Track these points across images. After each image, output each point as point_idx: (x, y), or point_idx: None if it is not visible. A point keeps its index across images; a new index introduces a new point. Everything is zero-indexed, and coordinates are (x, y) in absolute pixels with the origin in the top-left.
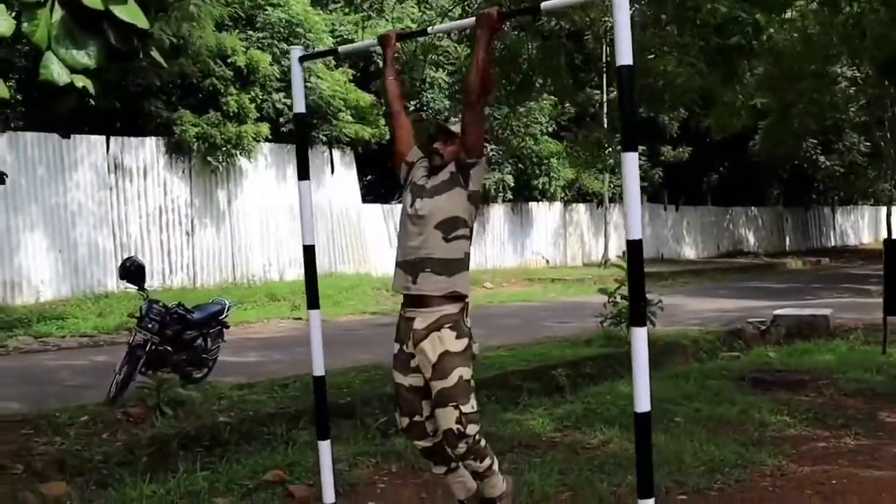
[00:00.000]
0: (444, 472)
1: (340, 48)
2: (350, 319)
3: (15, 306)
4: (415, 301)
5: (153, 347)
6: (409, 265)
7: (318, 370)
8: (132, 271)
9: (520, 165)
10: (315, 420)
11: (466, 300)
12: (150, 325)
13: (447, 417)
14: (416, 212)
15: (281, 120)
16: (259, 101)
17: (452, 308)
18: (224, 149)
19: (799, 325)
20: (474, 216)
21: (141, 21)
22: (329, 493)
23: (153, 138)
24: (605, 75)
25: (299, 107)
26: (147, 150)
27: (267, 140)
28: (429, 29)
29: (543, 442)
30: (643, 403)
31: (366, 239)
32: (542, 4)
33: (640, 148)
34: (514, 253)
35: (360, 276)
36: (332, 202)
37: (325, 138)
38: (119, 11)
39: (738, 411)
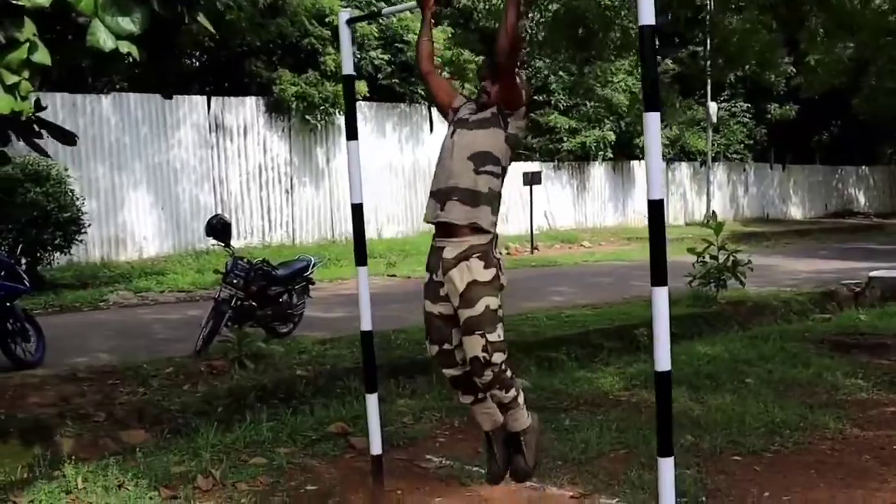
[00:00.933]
0: (471, 401)
1: (384, 10)
2: None
3: (119, 262)
4: (444, 230)
5: (238, 303)
6: (440, 193)
7: (366, 325)
8: (218, 229)
9: (621, 123)
10: (364, 374)
11: (495, 232)
12: (234, 281)
13: (473, 345)
14: (454, 142)
15: (379, 76)
16: (357, 59)
17: (481, 239)
18: (322, 107)
19: (895, 287)
20: (509, 158)
21: None
22: (376, 445)
23: (253, 98)
24: (707, 34)
25: (348, 68)
26: (247, 110)
27: (365, 98)
28: None
29: (609, 400)
30: (664, 363)
31: None
32: None
33: (745, 105)
34: (614, 212)
35: None
36: (431, 160)
37: (421, 94)
38: None
39: (812, 374)
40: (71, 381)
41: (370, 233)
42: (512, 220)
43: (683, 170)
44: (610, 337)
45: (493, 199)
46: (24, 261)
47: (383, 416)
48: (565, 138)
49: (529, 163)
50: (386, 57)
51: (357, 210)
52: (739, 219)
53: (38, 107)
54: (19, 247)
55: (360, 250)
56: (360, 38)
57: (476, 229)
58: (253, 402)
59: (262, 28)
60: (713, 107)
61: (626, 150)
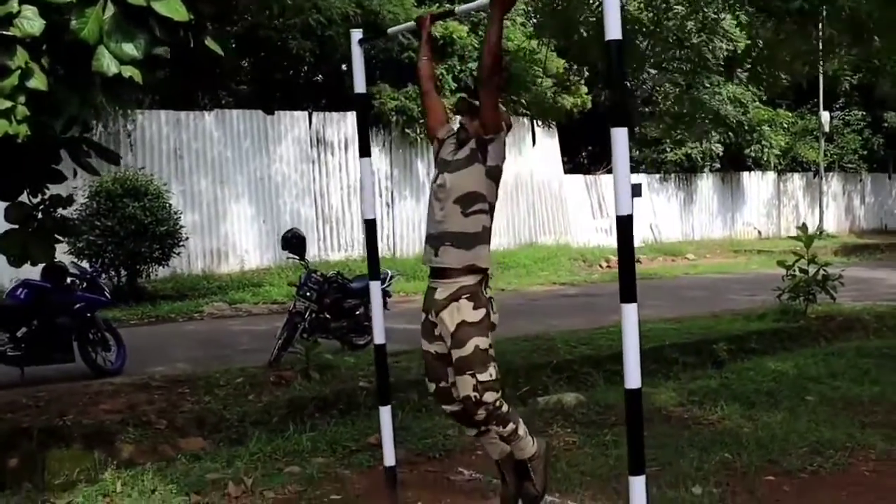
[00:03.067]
0: (475, 434)
1: (389, 30)
2: (538, 289)
3: (220, 274)
4: (437, 273)
5: (312, 315)
6: (433, 238)
7: (379, 339)
8: (293, 243)
9: (729, 134)
10: (377, 386)
11: (487, 272)
12: (308, 294)
13: (465, 385)
14: (439, 186)
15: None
16: (456, 71)
17: (471, 279)
18: (422, 121)
19: None
20: (495, 192)
21: (179, 15)
22: (389, 457)
23: (354, 112)
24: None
25: (360, 87)
26: (348, 124)
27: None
28: (456, 9)
29: (660, 416)
30: (633, 380)
31: (567, 209)
32: None
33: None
34: (723, 224)
35: (559, 246)
36: (533, 173)
37: (525, 108)
38: (159, 7)
39: (877, 391)
40: (143, 389)
41: None
42: (615, 232)
43: (796, 181)
44: (686, 351)
45: (487, 236)
46: (123, 273)
47: (426, 427)
48: (669, 149)
49: (632, 175)
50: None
51: (370, 226)
52: (855, 230)
53: (86, 128)
54: (100, 260)
55: (374, 265)
56: (460, 49)
57: (471, 269)
58: (311, 412)
59: (221, 56)
60: (826, 116)
61: (735, 161)
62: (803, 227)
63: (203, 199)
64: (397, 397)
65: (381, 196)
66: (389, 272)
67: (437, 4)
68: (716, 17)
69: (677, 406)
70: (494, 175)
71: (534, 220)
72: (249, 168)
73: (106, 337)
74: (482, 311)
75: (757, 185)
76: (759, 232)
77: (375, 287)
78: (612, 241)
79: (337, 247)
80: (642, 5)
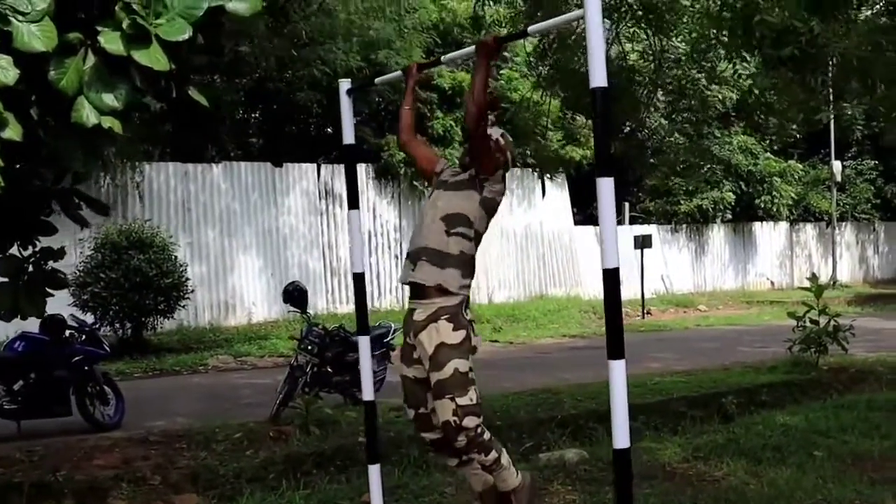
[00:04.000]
0: (456, 464)
1: (377, 79)
2: (547, 342)
3: (227, 326)
4: (415, 291)
5: (314, 369)
6: (412, 254)
7: (368, 395)
8: (295, 296)
9: (740, 184)
10: (366, 444)
11: (466, 294)
12: (309, 347)
13: (444, 409)
14: (431, 202)
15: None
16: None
17: (449, 301)
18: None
19: None
20: (486, 223)
21: (159, 65)
22: None
23: (362, 165)
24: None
25: (348, 138)
26: (360, 177)
27: None
28: (442, 58)
29: (665, 472)
30: (622, 439)
31: (578, 261)
32: (529, 28)
33: (872, 162)
34: (735, 275)
35: (570, 298)
36: (543, 224)
37: (533, 159)
38: (139, 56)
39: (888, 446)
40: (140, 444)
41: (481, 297)
42: (626, 283)
43: (808, 231)
44: (694, 405)
45: (464, 263)
46: (127, 325)
47: (422, 487)
48: (682, 200)
49: (643, 226)
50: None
51: (358, 279)
52: (870, 280)
53: (77, 180)
54: (105, 312)
55: (362, 319)
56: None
57: (443, 291)
58: (308, 469)
59: (205, 107)
60: (837, 165)
61: (747, 210)
62: (813, 278)
63: (210, 251)
64: (397, 453)
65: (389, 248)
66: (392, 325)
67: None
68: (711, 66)
69: (682, 462)
70: (489, 206)
71: (544, 272)
72: (257, 220)
73: (104, 390)
74: (462, 333)
75: (769, 235)
76: (772, 282)
77: (364, 342)
78: (624, 293)
79: (346, 299)
80: (644, 54)
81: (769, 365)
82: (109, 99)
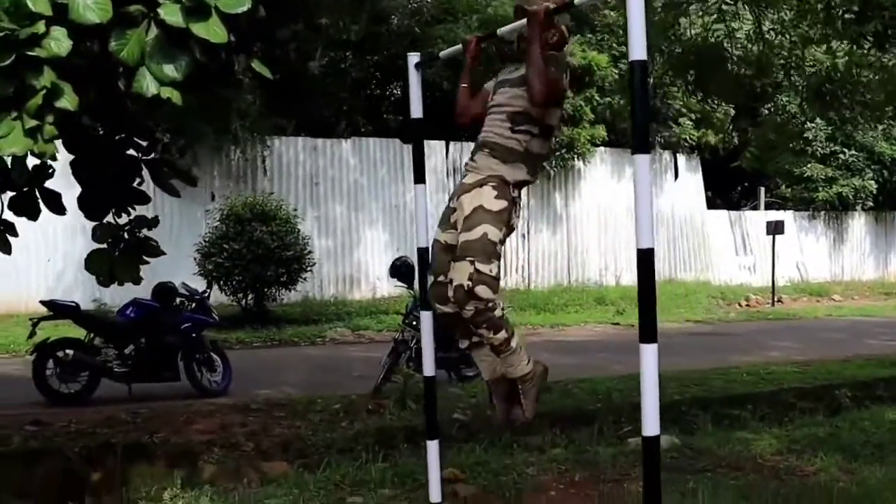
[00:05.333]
0: (467, 346)
1: (441, 53)
2: (669, 327)
3: (351, 300)
4: (469, 168)
5: (419, 344)
6: (478, 144)
7: (429, 371)
8: (402, 271)
9: (884, 172)
10: (425, 419)
11: (522, 182)
12: (414, 323)
13: (461, 271)
14: (495, 104)
15: (619, 121)
16: (595, 103)
17: (503, 177)
18: (557, 153)
19: None
20: (555, 115)
21: (217, 37)
22: (434, 493)
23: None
24: None
25: (416, 112)
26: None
27: (604, 143)
28: (498, 31)
29: (755, 464)
30: (651, 426)
31: (710, 246)
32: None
33: None
34: (875, 265)
35: (699, 283)
36: (674, 208)
37: (662, 141)
38: (196, 29)
39: None
40: (241, 411)
41: (609, 279)
42: (759, 270)
43: None
44: (805, 396)
45: (528, 159)
46: (250, 296)
47: (504, 465)
48: (821, 188)
49: (779, 211)
50: (625, 102)
51: (422, 255)
52: None
53: (168, 151)
54: (220, 281)
55: (423, 294)
56: (599, 80)
57: (499, 178)
58: (399, 442)
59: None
60: None
61: (890, 200)
62: None
63: (337, 226)
64: (487, 431)
65: (519, 227)
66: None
67: (578, 34)
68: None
69: (775, 454)
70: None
71: (673, 256)
72: (384, 196)
73: (212, 357)
74: (503, 203)
75: None
76: None
77: (426, 318)
78: (755, 279)
79: None
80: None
81: (893, 359)
82: (170, 70)
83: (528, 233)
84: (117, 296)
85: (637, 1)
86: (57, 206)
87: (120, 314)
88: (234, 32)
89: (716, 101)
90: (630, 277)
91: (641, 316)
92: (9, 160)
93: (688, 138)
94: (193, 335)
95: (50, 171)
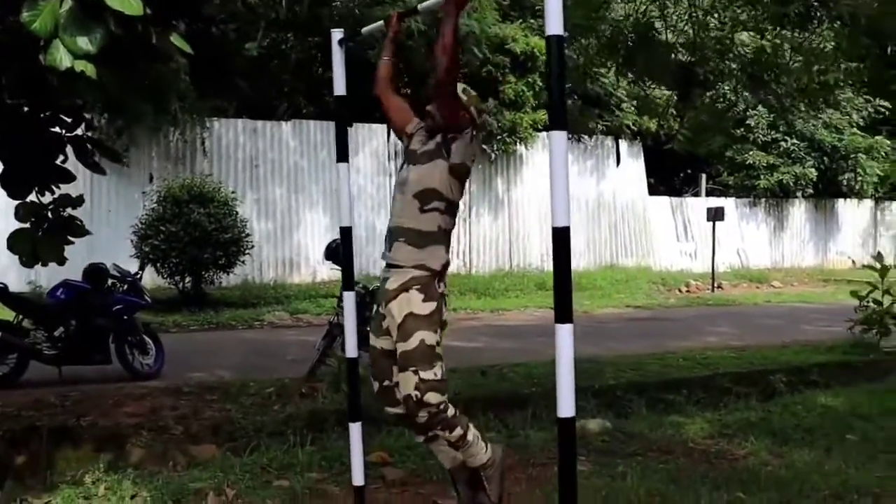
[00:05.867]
0: (423, 440)
1: (363, 29)
2: (609, 312)
3: (291, 283)
4: (390, 265)
5: None
6: (390, 232)
7: (351, 353)
8: (337, 253)
9: (824, 159)
10: (348, 401)
11: (442, 269)
12: None
13: (407, 382)
14: (402, 179)
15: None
16: (538, 88)
17: (424, 272)
18: (499, 137)
19: None
20: (458, 190)
21: (131, 9)
22: (357, 476)
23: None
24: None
25: (339, 89)
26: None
27: (545, 128)
28: (419, 6)
29: (685, 448)
30: (566, 408)
31: (651, 232)
32: None
33: None
34: (815, 252)
35: (640, 269)
36: (615, 193)
37: (604, 128)
38: (110, 1)
39: None
40: (172, 394)
41: (550, 265)
42: (700, 256)
43: (895, 209)
44: (740, 381)
45: (442, 237)
46: (188, 279)
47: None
48: (762, 175)
49: (720, 198)
50: (569, 86)
51: (345, 234)
52: None
53: (90, 128)
54: (157, 263)
55: (348, 276)
56: (541, 65)
57: (423, 268)
58: (330, 426)
59: (189, 54)
60: None
61: (830, 187)
62: (879, 257)
63: (277, 208)
64: None
65: (460, 211)
66: None
67: (521, 19)
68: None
69: (706, 438)
70: (459, 173)
71: (615, 242)
72: (325, 179)
73: (144, 340)
74: (432, 305)
75: (852, 213)
76: (854, 262)
77: (349, 298)
78: (696, 265)
79: None
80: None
81: (828, 345)
82: (84, 42)
83: (470, 217)
84: (54, 278)
85: None
86: None
87: (50, 295)
88: (151, 5)
89: (657, 87)
90: (575, 263)
91: (557, 296)
92: None
93: (630, 125)
94: (125, 317)
95: None
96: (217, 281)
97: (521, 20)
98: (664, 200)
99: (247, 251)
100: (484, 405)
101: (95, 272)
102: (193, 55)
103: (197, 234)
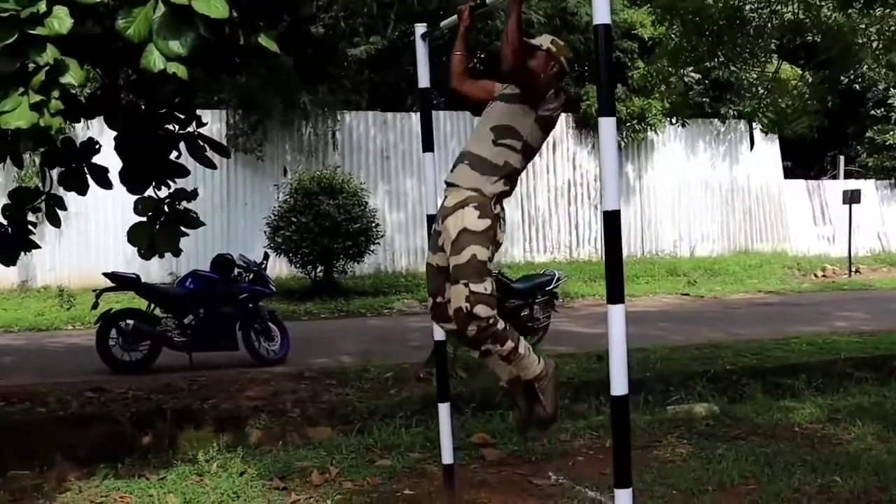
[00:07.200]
0: (478, 355)
1: (442, 23)
2: (740, 297)
3: (422, 272)
4: (449, 184)
5: None
6: (460, 155)
7: (439, 335)
8: None
9: None
10: (437, 383)
11: (501, 192)
12: None
13: (457, 295)
14: (486, 111)
15: (690, 93)
16: (667, 73)
17: (479, 195)
18: (628, 123)
19: None
20: (539, 139)
21: (217, 12)
22: (447, 454)
23: (563, 114)
24: None
25: (423, 82)
26: (557, 125)
27: (668, 114)
28: (487, 0)
29: (790, 433)
30: (619, 386)
31: (787, 216)
32: None
33: None
34: None
35: (775, 253)
36: (750, 178)
37: (736, 112)
38: (197, 5)
39: None
40: (293, 379)
41: (683, 250)
42: (838, 240)
43: None
44: (863, 366)
45: (506, 173)
46: (319, 268)
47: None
48: None
49: (858, 181)
50: (696, 75)
51: (429, 221)
52: None
53: (200, 124)
54: (289, 254)
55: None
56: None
57: (478, 191)
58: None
59: (276, 55)
60: None
61: None
62: None
63: (409, 199)
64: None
65: (588, 198)
66: (557, 273)
67: (648, 5)
68: None
69: (814, 423)
70: (545, 123)
71: (750, 227)
72: None
73: (270, 327)
74: (487, 222)
75: None
76: None
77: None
78: (834, 250)
79: (542, 248)
80: None
81: None
82: (175, 46)
83: (601, 204)
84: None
85: None
86: (103, 181)
87: (179, 285)
88: (239, 9)
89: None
90: (705, 249)
91: (609, 277)
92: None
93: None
94: (250, 305)
95: (97, 146)
96: (349, 270)
97: (647, 5)
98: (800, 184)
99: (376, 241)
100: (597, 389)
101: (222, 262)
102: (297, 53)
103: (327, 224)
